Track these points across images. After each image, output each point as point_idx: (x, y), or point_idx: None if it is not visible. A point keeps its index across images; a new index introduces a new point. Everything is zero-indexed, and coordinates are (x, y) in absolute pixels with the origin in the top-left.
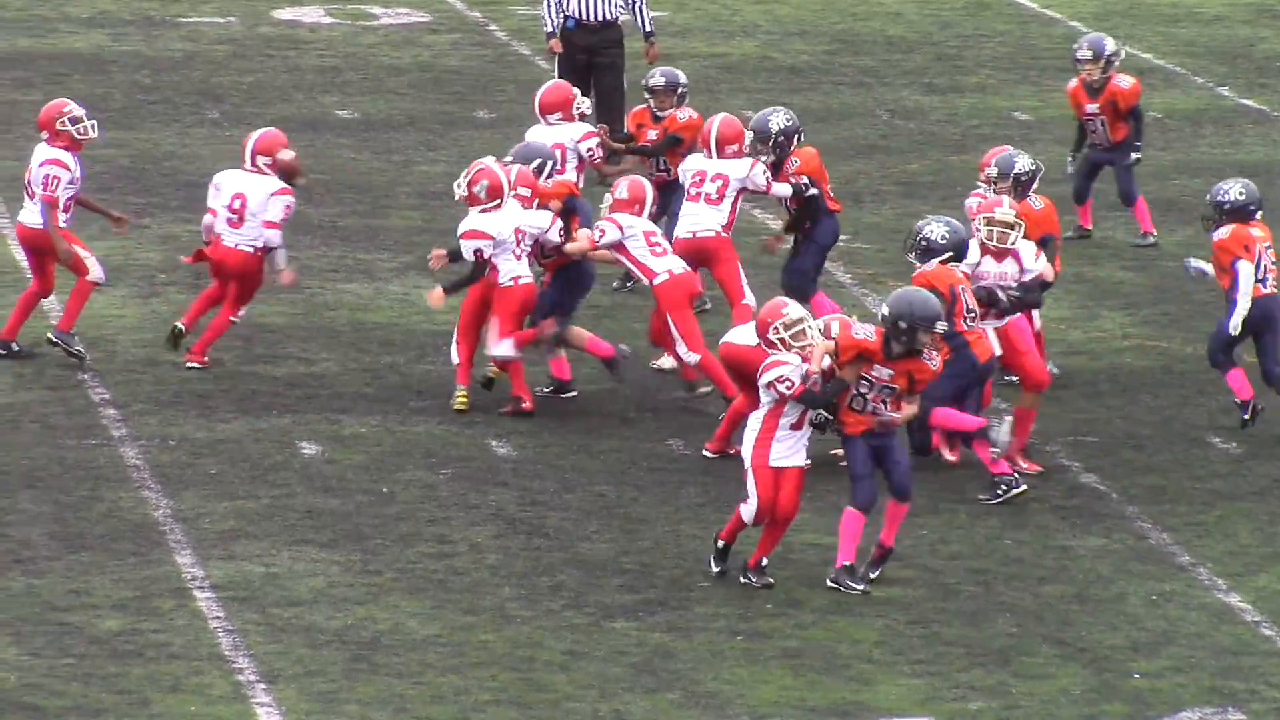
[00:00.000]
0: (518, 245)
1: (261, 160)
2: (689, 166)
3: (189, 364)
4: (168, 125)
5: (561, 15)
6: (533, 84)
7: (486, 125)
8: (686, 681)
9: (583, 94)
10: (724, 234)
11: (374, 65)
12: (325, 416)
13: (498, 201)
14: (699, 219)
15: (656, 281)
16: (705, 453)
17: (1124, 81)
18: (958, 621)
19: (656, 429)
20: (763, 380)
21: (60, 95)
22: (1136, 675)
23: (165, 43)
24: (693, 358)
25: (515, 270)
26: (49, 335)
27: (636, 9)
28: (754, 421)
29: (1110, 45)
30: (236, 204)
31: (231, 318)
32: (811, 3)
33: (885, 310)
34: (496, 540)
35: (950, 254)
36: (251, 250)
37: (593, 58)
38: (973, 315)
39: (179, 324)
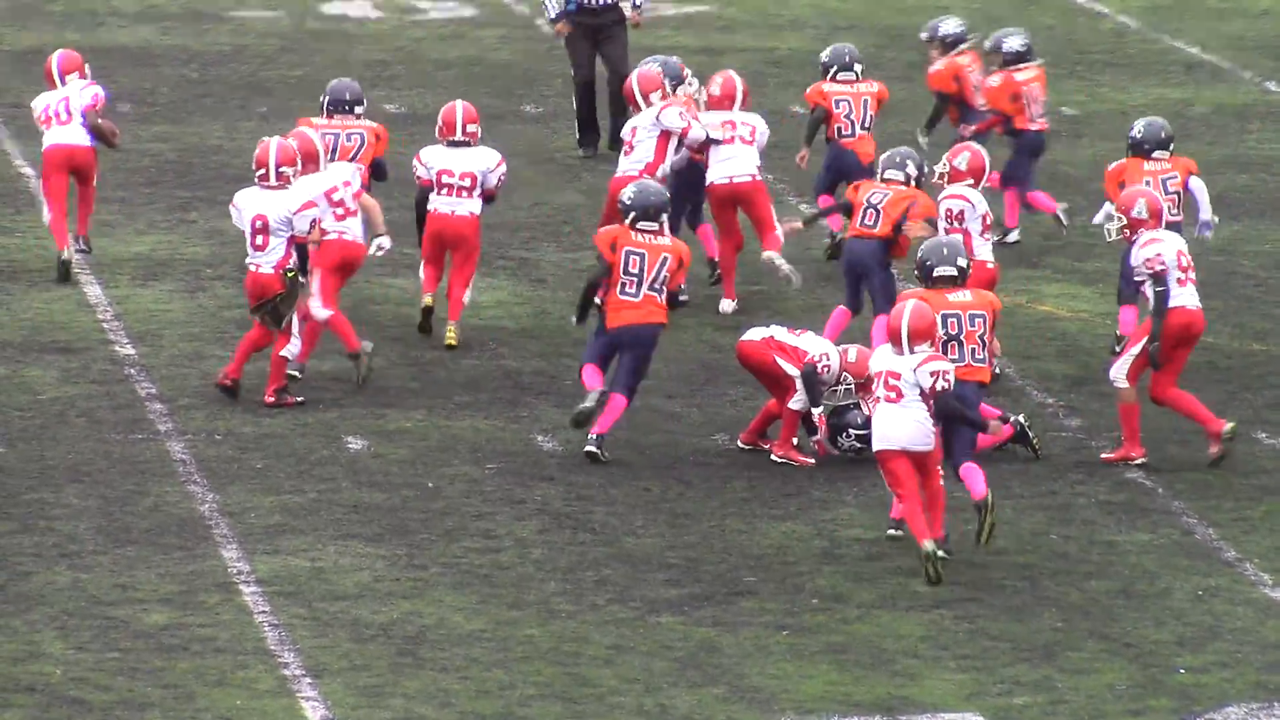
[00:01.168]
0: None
1: (287, 170)
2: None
3: (271, 404)
4: (215, 119)
5: (563, 1)
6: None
7: (533, 119)
8: (732, 676)
9: (590, 69)
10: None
11: (421, 59)
12: (371, 411)
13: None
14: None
15: None
16: (739, 444)
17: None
18: (1003, 617)
19: (702, 424)
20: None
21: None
22: (1182, 670)
23: (213, 37)
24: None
25: (336, 227)
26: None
27: None
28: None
29: (944, 27)
30: (258, 224)
31: (281, 353)
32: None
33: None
34: (542, 535)
35: None
36: (272, 271)
37: (598, 36)
38: None
39: (230, 379)
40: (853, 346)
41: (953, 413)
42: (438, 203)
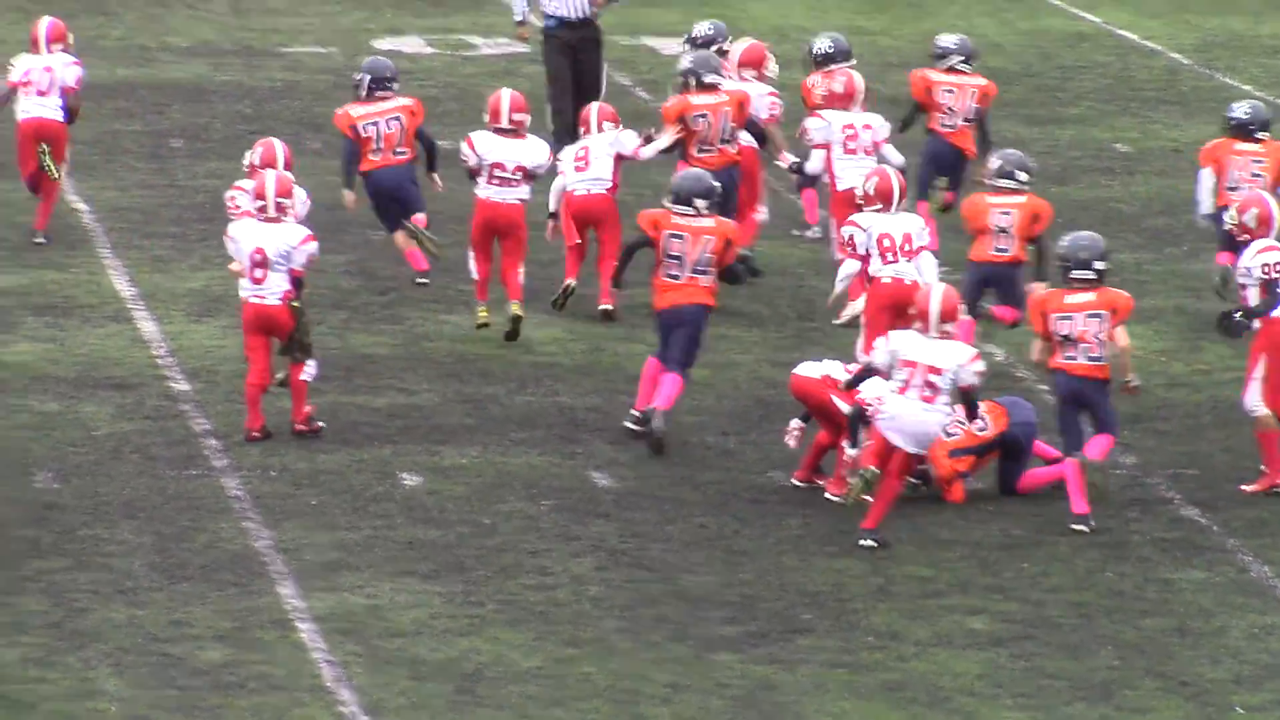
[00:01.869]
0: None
1: (285, 202)
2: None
3: (301, 432)
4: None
5: (526, 10)
6: (633, 115)
7: None
8: (789, 714)
9: (569, 81)
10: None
11: (473, 95)
12: (426, 447)
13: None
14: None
15: None
16: (794, 482)
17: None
18: (1059, 655)
19: (758, 460)
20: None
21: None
22: (1238, 709)
23: (266, 72)
24: None
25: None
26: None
27: None
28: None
29: (818, 45)
30: (257, 257)
31: (302, 376)
32: (912, 34)
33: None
34: (598, 572)
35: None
36: (278, 303)
37: (576, 52)
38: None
39: (257, 430)
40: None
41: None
42: (487, 191)
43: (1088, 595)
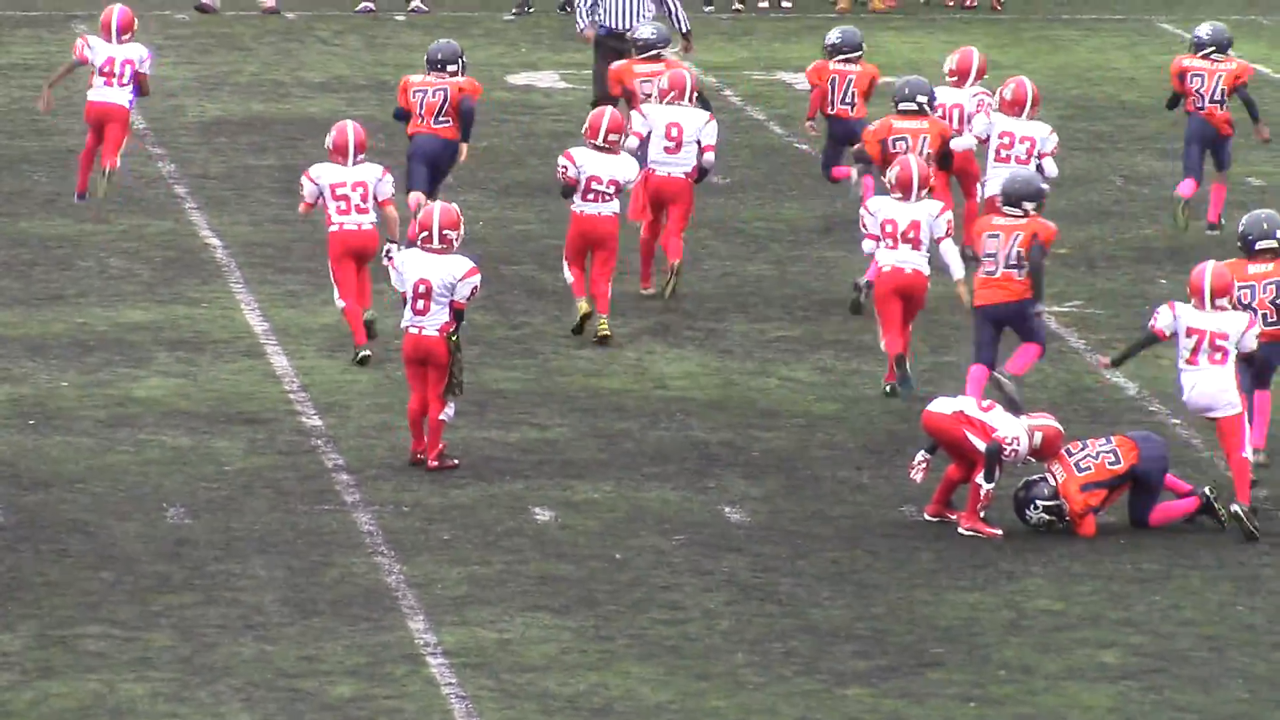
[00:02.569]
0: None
1: (450, 234)
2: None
3: (435, 468)
4: (402, 190)
5: (594, 19)
6: (767, 149)
7: (719, 190)
8: None
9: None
10: None
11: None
12: (558, 482)
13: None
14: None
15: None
16: (925, 516)
17: None
18: (1190, 688)
19: (890, 495)
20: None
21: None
22: None
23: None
24: None
25: (338, 219)
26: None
27: (672, 15)
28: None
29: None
30: (422, 288)
31: (441, 416)
32: (1045, 69)
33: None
34: (729, 606)
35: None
36: (437, 334)
37: (620, 57)
38: None
39: (422, 454)
40: (1041, 429)
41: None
42: (583, 205)
43: (1219, 629)
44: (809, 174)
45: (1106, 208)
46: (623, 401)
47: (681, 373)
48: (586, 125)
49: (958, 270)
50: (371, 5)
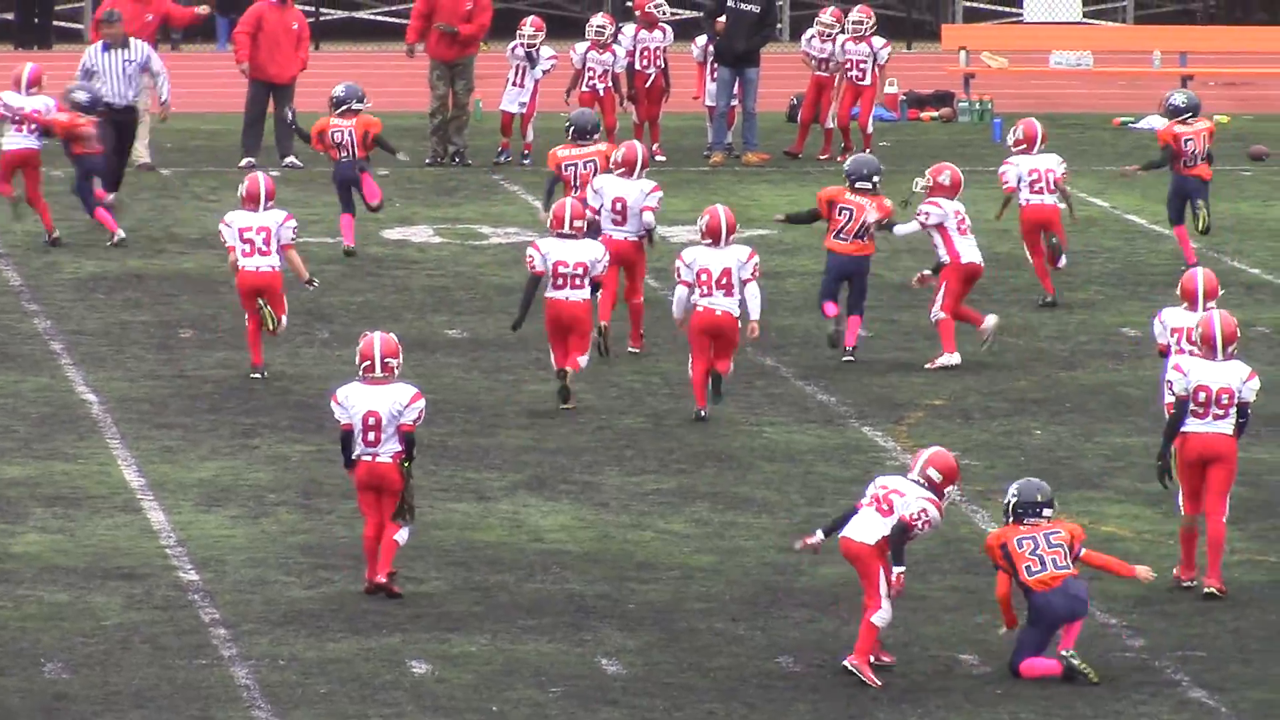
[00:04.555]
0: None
1: (392, 362)
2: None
3: (380, 585)
4: (277, 346)
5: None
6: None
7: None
8: None
9: None
10: None
11: (483, 284)
12: (434, 635)
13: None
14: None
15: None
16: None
17: None
18: None
19: (766, 646)
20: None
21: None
22: None
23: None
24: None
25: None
26: None
27: None
28: None
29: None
30: (371, 420)
31: (395, 537)
32: None
33: None
34: None
35: None
36: (389, 461)
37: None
38: None
39: (380, 580)
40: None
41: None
42: (554, 292)
43: None
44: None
45: (982, 358)
46: (499, 554)
47: (557, 525)
48: (551, 217)
49: (755, 311)
50: (254, 160)
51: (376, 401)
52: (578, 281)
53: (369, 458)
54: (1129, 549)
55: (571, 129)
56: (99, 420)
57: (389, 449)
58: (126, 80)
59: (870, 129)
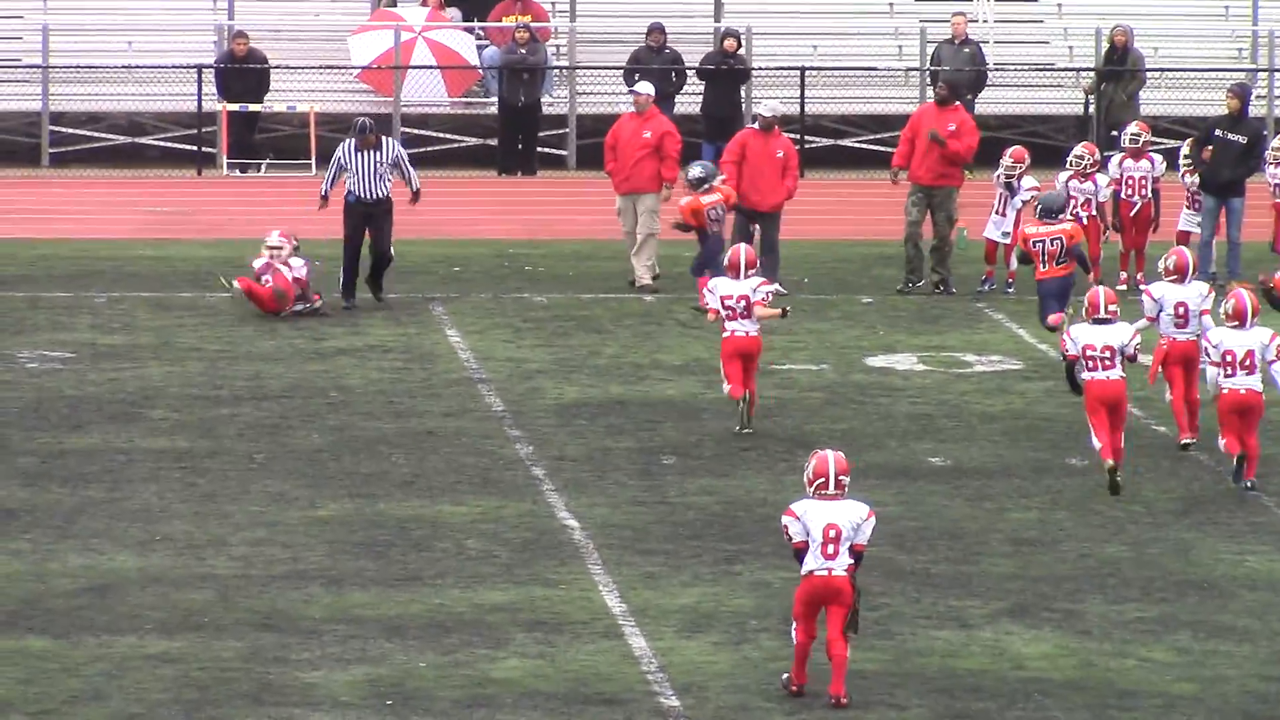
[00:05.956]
0: None
1: (845, 479)
2: None
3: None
4: (759, 473)
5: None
6: None
7: (1078, 472)
8: None
9: None
10: None
11: (966, 412)
12: None
13: None
14: None
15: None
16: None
17: None
18: None
19: None
20: None
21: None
22: None
23: (760, 390)
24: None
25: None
26: None
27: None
28: None
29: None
30: (831, 533)
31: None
32: None
33: None
34: None
35: None
36: (844, 574)
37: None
38: None
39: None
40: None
41: None
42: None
43: None
44: (1167, 453)
45: None
46: (980, 682)
47: (1038, 654)
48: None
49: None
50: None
51: (835, 515)
52: (1107, 363)
53: (824, 572)
54: None
55: (1040, 208)
56: (580, 546)
57: (843, 563)
58: (376, 178)
59: None
